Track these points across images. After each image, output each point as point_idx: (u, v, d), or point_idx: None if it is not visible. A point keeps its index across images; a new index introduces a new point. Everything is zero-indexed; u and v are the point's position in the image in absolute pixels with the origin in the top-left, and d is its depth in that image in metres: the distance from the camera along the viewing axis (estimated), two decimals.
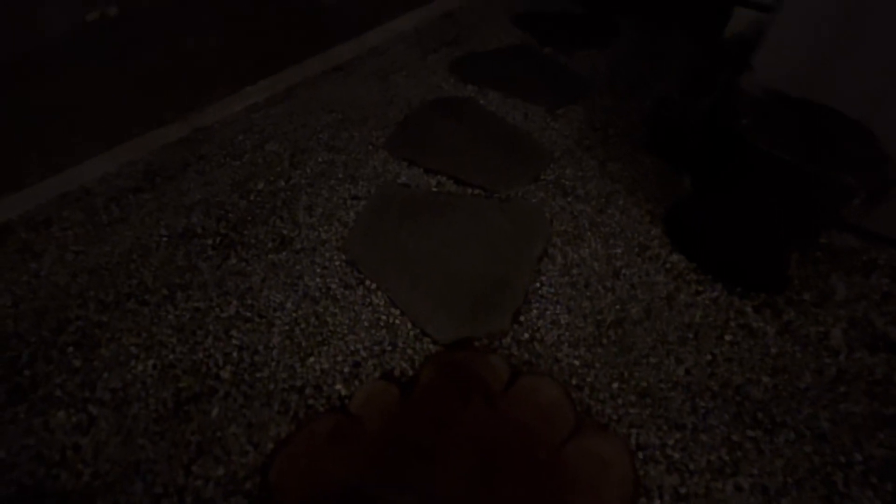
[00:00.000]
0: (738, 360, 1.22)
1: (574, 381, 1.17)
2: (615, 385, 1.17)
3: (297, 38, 2.17)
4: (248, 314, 1.29)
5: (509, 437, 1.01)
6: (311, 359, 1.19)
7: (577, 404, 1.10)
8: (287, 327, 1.26)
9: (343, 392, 1.14)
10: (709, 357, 1.22)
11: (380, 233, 1.51)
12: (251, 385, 1.15)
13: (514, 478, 0.96)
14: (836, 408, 1.14)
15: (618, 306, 1.33)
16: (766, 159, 1.13)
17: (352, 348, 1.22)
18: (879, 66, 1.27)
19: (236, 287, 1.36)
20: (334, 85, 2.28)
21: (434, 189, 1.68)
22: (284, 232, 1.53)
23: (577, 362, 1.21)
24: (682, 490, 1.00)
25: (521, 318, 1.30)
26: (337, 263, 1.42)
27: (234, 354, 1.20)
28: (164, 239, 1.51)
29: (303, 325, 1.26)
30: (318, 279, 1.38)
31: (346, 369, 1.18)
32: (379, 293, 1.34)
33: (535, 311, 1.31)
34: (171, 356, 1.20)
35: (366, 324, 1.27)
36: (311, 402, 1.12)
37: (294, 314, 1.29)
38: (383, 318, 1.28)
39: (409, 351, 1.21)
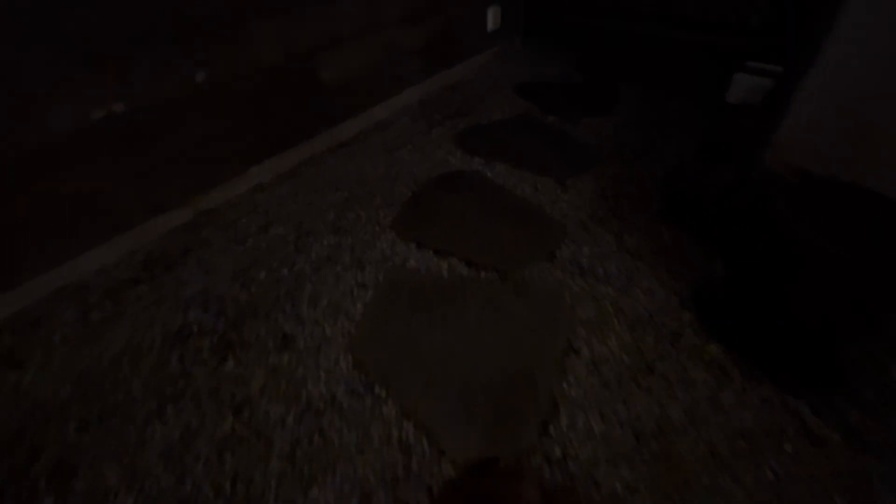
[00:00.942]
0: (806, 476, 1.05)
1: None
2: None
3: (302, 116, 2.19)
4: (245, 432, 1.16)
5: None
6: (314, 489, 1.04)
7: None
8: (288, 447, 1.12)
9: None
10: (771, 476, 1.05)
11: (388, 328, 1.41)
12: None
13: None
14: None
15: (657, 410, 1.19)
16: (810, 249, 1.03)
17: (360, 474, 1.07)
18: None
19: (232, 397, 1.24)
20: (340, 161, 2.27)
21: (445, 274, 1.59)
22: (287, 329, 1.43)
23: (619, 484, 1.05)
24: None
25: (550, 428, 1.15)
26: (343, 366, 1.30)
27: (227, 486, 1.05)
28: (159, 339, 1.41)
29: (305, 446, 1.12)
30: (322, 386, 1.25)
31: (354, 502, 1.02)
32: (389, 401, 1.21)
33: (565, 419, 1.17)
34: (155, 490, 1.05)
35: (376, 442, 1.12)
36: None
37: (296, 431, 1.15)
38: (395, 433, 1.14)
39: (426, 476, 1.06)
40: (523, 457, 1.10)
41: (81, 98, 1.47)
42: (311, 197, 2.02)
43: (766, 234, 1.15)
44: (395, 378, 1.26)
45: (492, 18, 3.02)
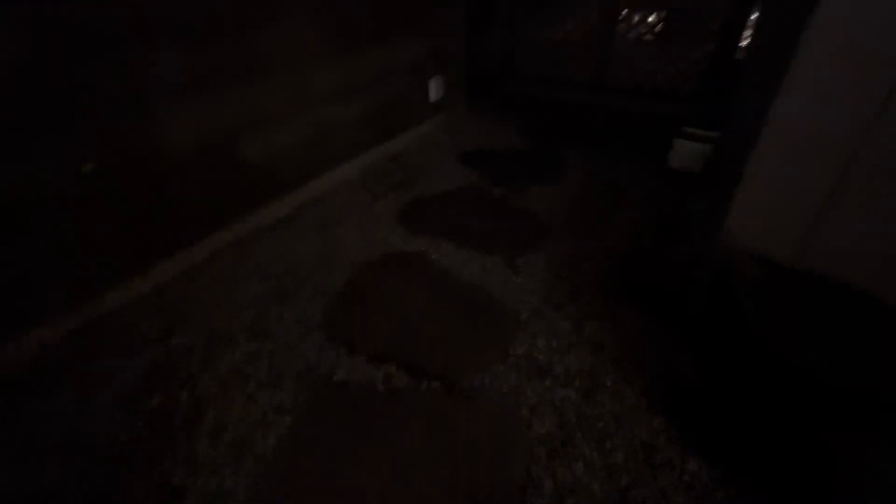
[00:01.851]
0: None
1: None
2: None
3: (222, 200, 1.96)
4: None
5: None
6: None
7: None
8: None
9: None
10: None
11: (307, 470, 1.13)
12: None
13: None
14: None
15: None
16: (789, 369, 0.89)
17: None
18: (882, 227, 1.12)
19: None
20: (269, 244, 2.04)
21: (379, 386, 1.35)
22: (175, 480, 1.12)
23: None
24: None
25: None
26: None
27: None
28: None
29: None
30: None
31: None
32: None
33: None
34: None
35: None
36: None
37: None
38: None
39: None
40: None
41: None
42: (229, 291, 1.76)
43: (736, 339, 1.01)
44: None
45: (434, 89, 3.01)
